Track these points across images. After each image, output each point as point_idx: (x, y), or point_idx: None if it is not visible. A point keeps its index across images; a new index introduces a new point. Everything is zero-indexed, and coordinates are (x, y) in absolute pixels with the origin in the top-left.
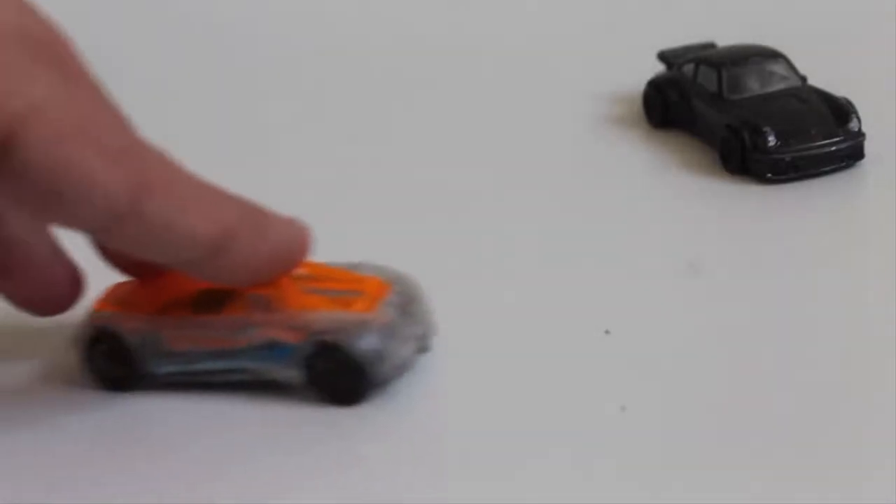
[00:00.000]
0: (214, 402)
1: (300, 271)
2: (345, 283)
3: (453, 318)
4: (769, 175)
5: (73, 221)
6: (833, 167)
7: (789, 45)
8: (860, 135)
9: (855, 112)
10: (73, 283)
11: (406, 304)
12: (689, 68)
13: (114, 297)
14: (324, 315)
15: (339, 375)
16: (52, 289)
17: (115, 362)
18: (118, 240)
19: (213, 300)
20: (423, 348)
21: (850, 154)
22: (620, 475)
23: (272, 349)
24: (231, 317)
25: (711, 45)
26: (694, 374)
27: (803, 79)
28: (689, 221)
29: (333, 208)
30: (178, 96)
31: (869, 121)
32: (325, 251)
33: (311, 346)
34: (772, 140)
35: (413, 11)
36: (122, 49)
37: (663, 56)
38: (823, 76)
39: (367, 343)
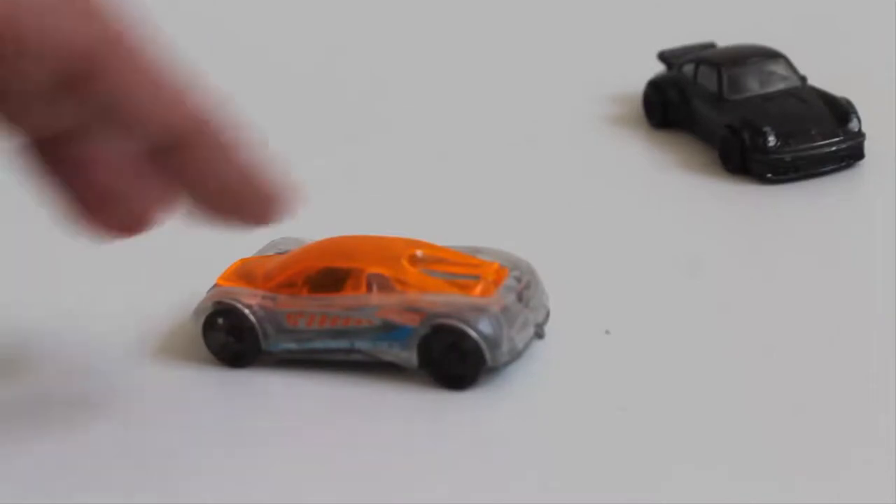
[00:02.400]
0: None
1: (420, 253)
2: (464, 267)
3: None
4: (769, 175)
5: (26, 74)
6: (833, 167)
7: (789, 45)
8: (860, 135)
9: (855, 112)
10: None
11: (523, 289)
12: (689, 68)
13: (236, 273)
14: (442, 298)
15: (454, 359)
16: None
17: (233, 338)
18: (69, 108)
19: (333, 280)
20: (539, 334)
21: (850, 154)
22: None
23: (388, 331)
24: (350, 296)
25: (711, 45)
26: (694, 373)
27: (803, 79)
28: (689, 221)
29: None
30: None
31: (869, 121)
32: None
33: (428, 329)
34: (772, 140)
35: (413, 12)
36: None
37: (663, 56)
38: (823, 76)
39: (484, 327)
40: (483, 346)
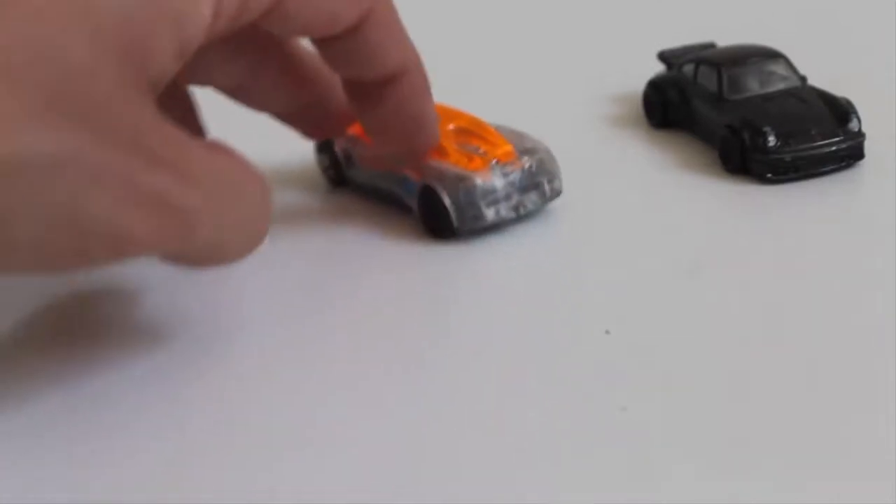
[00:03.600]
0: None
1: (452, 126)
2: (483, 143)
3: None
4: (769, 175)
5: (308, 35)
6: (833, 167)
7: (789, 45)
8: (860, 135)
9: (855, 112)
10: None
11: (516, 172)
12: (689, 68)
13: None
14: (437, 164)
15: (435, 216)
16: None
17: (330, 166)
18: (333, 53)
19: None
20: (518, 214)
21: (850, 154)
22: (620, 475)
23: (406, 182)
24: None
25: (711, 45)
26: (694, 374)
27: (803, 79)
28: (689, 221)
29: None
30: None
31: (869, 121)
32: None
33: (422, 187)
34: (772, 140)
35: (413, 11)
36: None
37: (663, 56)
38: (823, 76)
39: (453, 195)
40: (451, 210)
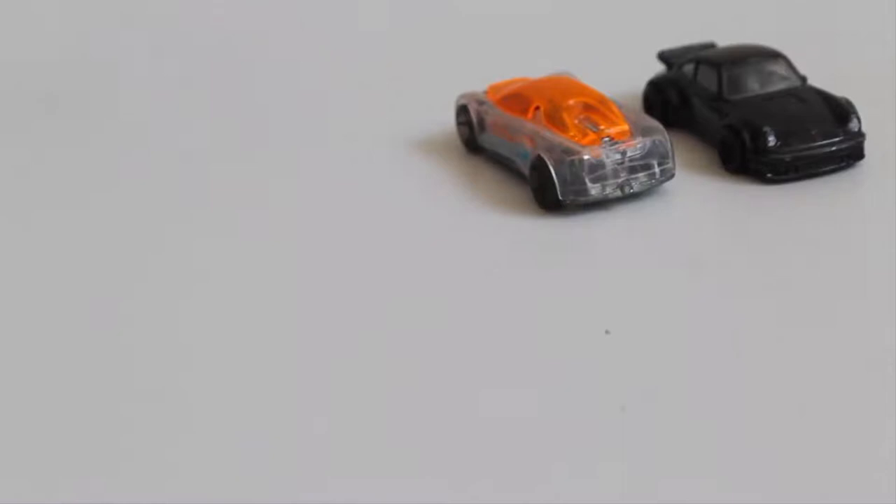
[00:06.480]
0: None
1: (572, 101)
2: (602, 120)
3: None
4: (769, 175)
5: None
6: (833, 167)
7: (789, 45)
8: (860, 135)
9: (855, 112)
10: None
11: (627, 152)
12: (689, 68)
13: (498, 85)
14: (550, 136)
15: (543, 186)
16: None
17: (467, 129)
18: None
19: (521, 104)
20: (623, 192)
21: (850, 154)
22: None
23: (524, 151)
24: (516, 118)
25: (711, 45)
26: (694, 373)
27: (803, 79)
28: (689, 221)
29: None
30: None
31: (869, 121)
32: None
33: (535, 157)
34: (772, 140)
35: (415, 14)
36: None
37: (663, 56)
38: (823, 76)
39: (560, 168)
40: (557, 181)
